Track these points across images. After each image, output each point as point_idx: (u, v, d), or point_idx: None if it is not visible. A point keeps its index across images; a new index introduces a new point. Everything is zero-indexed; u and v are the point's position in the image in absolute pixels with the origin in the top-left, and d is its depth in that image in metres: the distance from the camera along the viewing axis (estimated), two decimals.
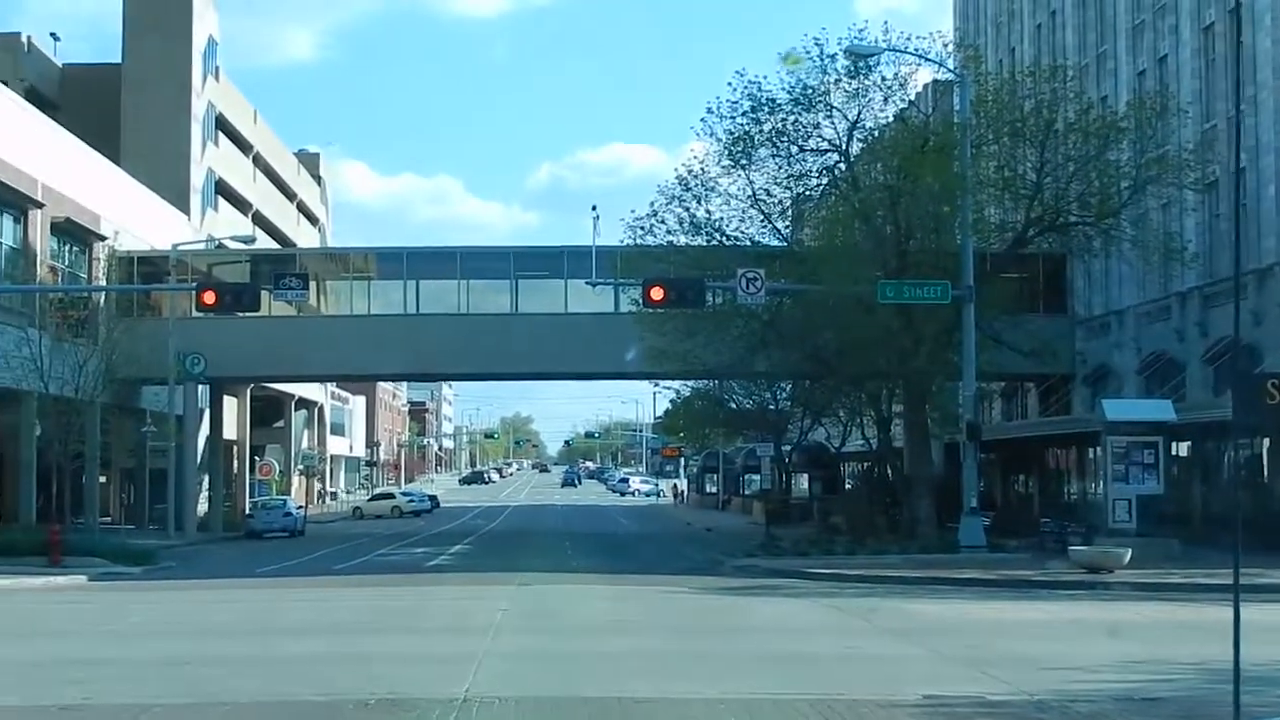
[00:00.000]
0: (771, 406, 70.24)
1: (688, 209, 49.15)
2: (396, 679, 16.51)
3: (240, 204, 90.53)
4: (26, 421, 50.68)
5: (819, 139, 47.63)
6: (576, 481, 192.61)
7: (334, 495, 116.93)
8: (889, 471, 56.85)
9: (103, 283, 58.73)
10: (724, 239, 49.32)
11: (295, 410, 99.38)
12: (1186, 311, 47.67)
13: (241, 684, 16.38)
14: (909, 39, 46.42)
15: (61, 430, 48.77)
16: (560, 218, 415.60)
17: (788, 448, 74.42)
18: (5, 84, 58.35)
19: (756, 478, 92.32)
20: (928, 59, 46.78)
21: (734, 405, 75.67)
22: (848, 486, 76.65)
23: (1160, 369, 49.77)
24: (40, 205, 55.30)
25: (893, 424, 53.65)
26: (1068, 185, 46.88)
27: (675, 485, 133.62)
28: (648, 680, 16.40)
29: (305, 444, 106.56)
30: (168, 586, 35.60)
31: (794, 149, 47.71)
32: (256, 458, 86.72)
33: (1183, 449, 45.38)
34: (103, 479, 65.14)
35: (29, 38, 77.77)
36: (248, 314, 50.99)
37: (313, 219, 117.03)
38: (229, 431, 76.92)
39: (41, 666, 18.41)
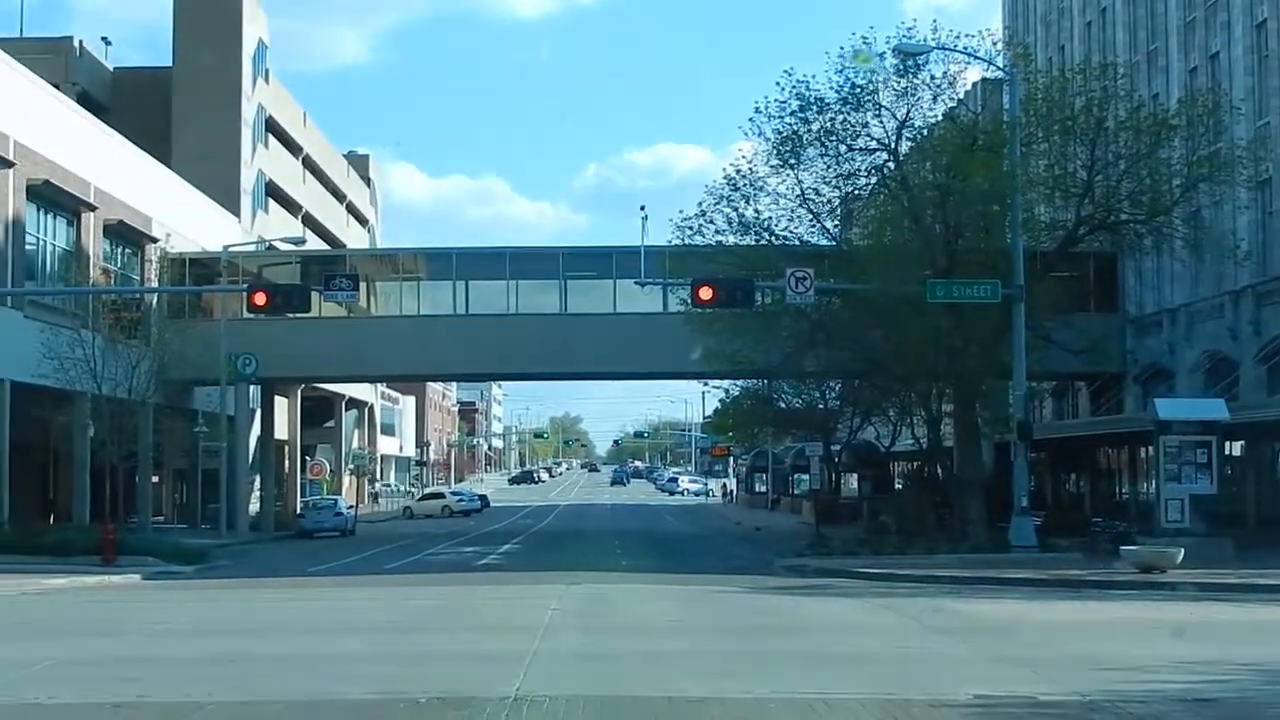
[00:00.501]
0: (821, 406, 70.17)
1: (736, 209, 49.08)
2: (447, 678, 16.56)
3: (290, 206, 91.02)
4: (80, 422, 51.06)
5: (868, 138, 47.46)
6: (625, 480, 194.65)
7: (380, 492, 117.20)
8: (939, 471, 56.62)
9: (155, 284, 59.14)
10: (773, 239, 49.21)
11: (346, 410, 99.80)
12: (1240, 310, 47.33)
13: (293, 682, 16.47)
14: (958, 37, 46.22)
15: (115, 431, 49.11)
16: (608, 218, 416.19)
17: (837, 447, 74.29)
18: (58, 88, 58.86)
19: (806, 477, 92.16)
20: (977, 57, 46.56)
21: (783, 404, 75.65)
22: (897, 486, 76.38)
23: (1213, 368, 49.44)
24: (93, 208, 55.75)
25: (943, 423, 53.44)
26: (1119, 183, 46.58)
27: (724, 485, 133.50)
28: (698, 680, 16.40)
29: (356, 444, 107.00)
30: (220, 585, 35.80)
31: (843, 148, 47.54)
32: (307, 457, 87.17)
33: (1236, 448, 45.10)
34: (155, 479, 65.64)
35: (80, 42, 78.39)
36: (298, 315, 51.31)
37: (362, 220, 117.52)
38: (280, 432, 77.32)
39: (96, 664, 18.56)
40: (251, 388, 67.66)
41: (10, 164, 48.75)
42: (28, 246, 51.57)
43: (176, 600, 30.71)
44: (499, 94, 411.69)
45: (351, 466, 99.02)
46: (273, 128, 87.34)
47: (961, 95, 50.21)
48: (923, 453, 60.43)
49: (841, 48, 46.58)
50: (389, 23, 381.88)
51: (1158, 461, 39.19)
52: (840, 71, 46.27)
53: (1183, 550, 33.13)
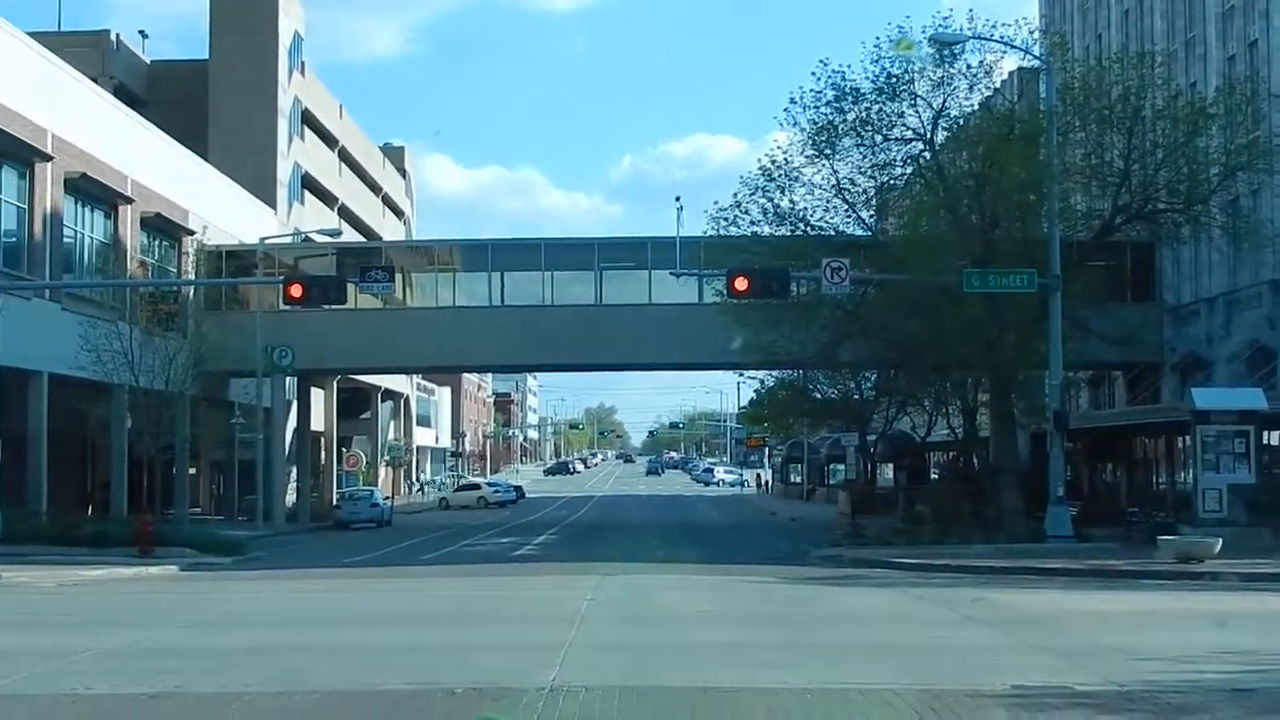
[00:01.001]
0: (856, 396, 70.05)
1: (771, 199, 49.06)
2: (484, 668, 16.59)
3: (326, 198, 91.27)
4: (118, 414, 51.33)
5: (903, 128, 47.39)
6: (660, 471, 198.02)
7: (423, 487, 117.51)
8: (975, 461, 56.48)
9: (191, 277, 59.39)
10: (808, 229, 49.15)
11: (382, 402, 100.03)
12: (1278, 299, 47.04)
13: (330, 673, 16.52)
14: (994, 26, 46.10)
15: (152, 422, 49.37)
16: (643, 209, 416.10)
17: (872, 437, 74.15)
18: (95, 81, 59.11)
19: (841, 467, 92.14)
20: (1013, 46, 46.43)
21: (818, 395, 75.51)
22: (933, 476, 76.22)
23: (1251, 357, 49.12)
24: (130, 201, 56.01)
25: (978, 413, 53.30)
26: (1156, 172, 46.34)
27: (759, 475, 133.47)
28: (734, 670, 16.40)
29: (392, 435, 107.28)
30: (257, 577, 35.94)
31: (878, 138, 47.47)
32: (343, 449, 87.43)
33: (1274, 438, 44.78)
34: (192, 470, 65.96)
35: (117, 35, 78.75)
36: (334, 307, 51.40)
37: (398, 212, 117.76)
38: (316, 423, 77.57)
39: (133, 655, 18.65)
40: (288, 379, 67.87)
41: (48, 157, 49.01)
42: (65, 239, 51.83)
43: (213, 592, 30.86)
44: (534, 85, 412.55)
45: (387, 458, 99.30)
46: (309, 120, 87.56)
47: (998, 84, 50.06)
48: (958, 443, 60.25)
49: (878, 38, 46.57)
50: (424, 15, 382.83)
51: (1195, 451, 39.04)
52: (876, 61, 46.26)
53: (1220, 540, 33.02)
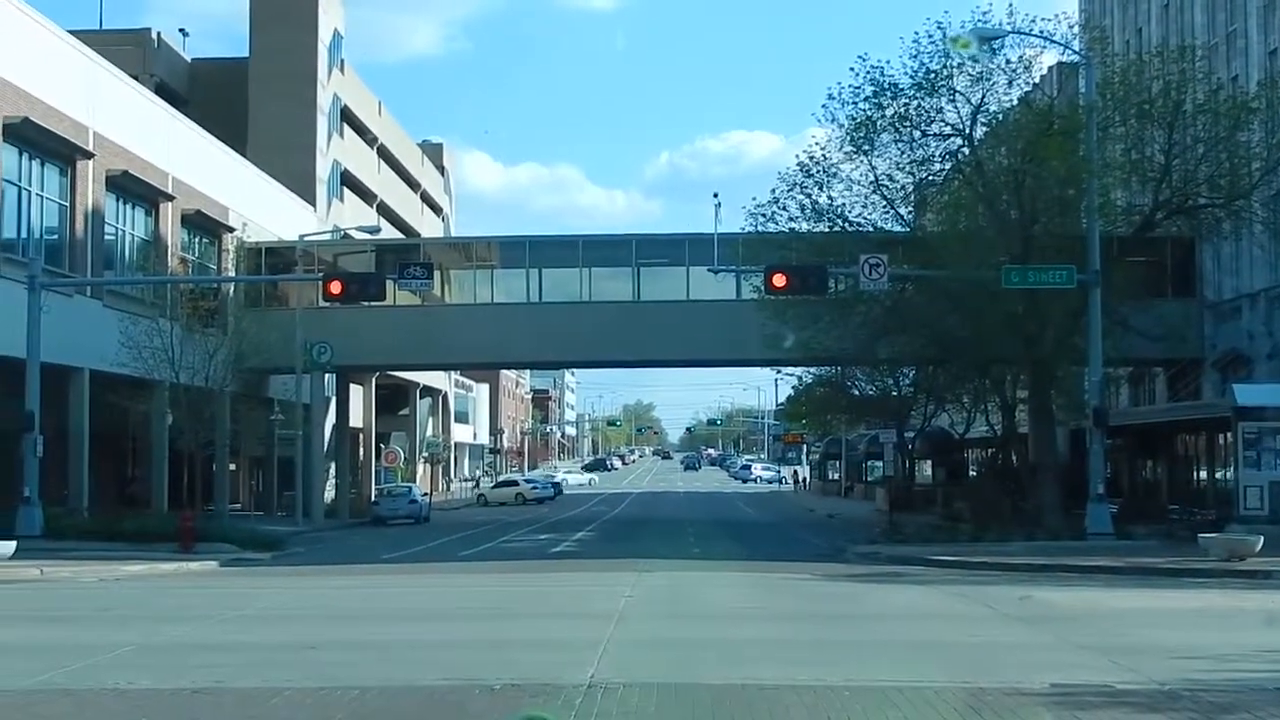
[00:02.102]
0: (894, 393, 69.89)
1: (809, 195, 48.95)
2: (522, 664, 16.61)
3: (365, 194, 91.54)
4: (159, 410, 51.62)
5: (942, 123, 47.21)
6: (697, 466, 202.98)
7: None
8: (1014, 458, 56.26)
9: (231, 273, 59.68)
10: (846, 225, 49.02)
11: (420, 398, 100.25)
12: None
13: (368, 668, 16.58)
14: (1033, 21, 45.90)
15: (192, 419, 49.66)
16: (680, 205, 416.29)
17: (911, 434, 73.97)
18: (136, 79, 59.41)
19: (879, 464, 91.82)
20: (1053, 41, 46.19)
21: (856, 391, 75.36)
22: (972, 473, 75.97)
23: None
24: (171, 198, 56.31)
25: (1018, 410, 53.08)
26: (1197, 167, 46.06)
27: (796, 472, 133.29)
28: (772, 667, 16.38)
29: (430, 431, 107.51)
30: (296, 572, 36.08)
31: (917, 134, 47.32)
32: (382, 445, 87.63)
33: None
34: (232, 466, 66.25)
35: (158, 34, 79.11)
36: (373, 303, 51.60)
37: (436, 209, 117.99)
38: (355, 419, 77.84)
39: (174, 650, 18.76)
40: (327, 376, 68.10)
41: (90, 155, 49.30)
42: (107, 236, 52.14)
43: (253, 587, 30.97)
44: (572, 82, 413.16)
45: (425, 454, 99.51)
46: (348, 117, 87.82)
47: (1037, 79, 49.82)
48: (997, 440, 60.05)
49: (916, 33, 46.46)
50: (463, 12, 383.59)
51: (1236, 448, 38.86)
52: (915, 57, 46.10)
53: (1261, 538, 32.80)
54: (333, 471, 74.69)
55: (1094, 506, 40.95)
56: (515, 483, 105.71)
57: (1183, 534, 38.78)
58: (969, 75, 46.16)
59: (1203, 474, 50.64)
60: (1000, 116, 47.66)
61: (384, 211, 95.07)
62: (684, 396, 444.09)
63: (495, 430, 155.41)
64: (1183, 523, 42.79)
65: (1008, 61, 46.18)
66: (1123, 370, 61.00)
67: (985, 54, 45.16)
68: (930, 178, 49.69)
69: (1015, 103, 47.75)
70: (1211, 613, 23.75)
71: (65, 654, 17.86)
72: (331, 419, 73.48)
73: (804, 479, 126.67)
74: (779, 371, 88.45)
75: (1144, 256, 53.12)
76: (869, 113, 46.89)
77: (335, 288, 44.92)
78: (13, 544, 36.43)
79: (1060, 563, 33.48)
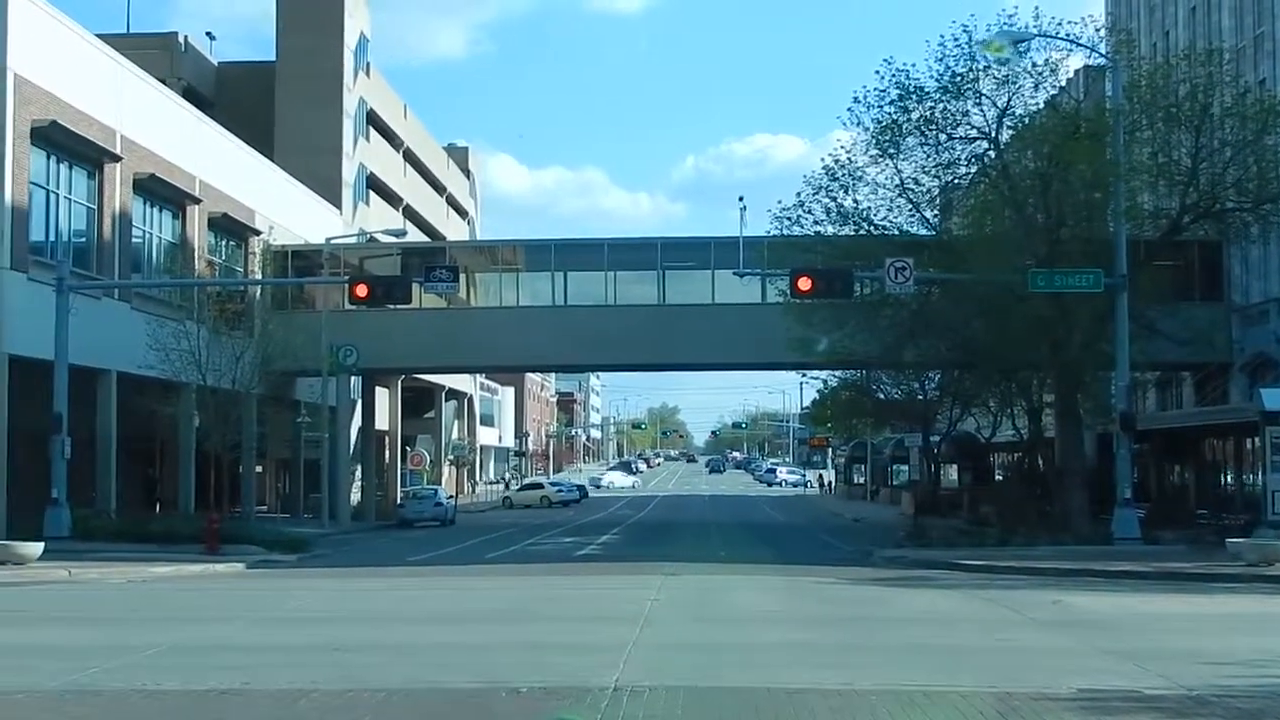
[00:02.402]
0: (920, 396, 69.76)
1: (835, 199, 48.93)
2: (548, 667, 16.63)
3: (391, 198, 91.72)
4: (185, 413, 51.76)
5: (968, 126, 47.16)
6: (722, 469, 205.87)
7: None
8: (1040, 462, 56.11)
9: (258, 276, 59.79)
10: (871, 228, 48.97)
11: (445, 401, 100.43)
12: None
13: (395, 670, 16.60)
14: (1059, 24, 45.83)
15: (219, 421, 49.78)
16: (705, 209, 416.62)
17: (936, 438, 73.83)
18: (163, 83, 59.63)
19: (905, 468, 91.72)
20: (1079, 44, 46.12)
21: (882, 395, 75.24)
22: (998, 477, 75.80)
23: None
24: (198, 201, 56.47)
25: (1044, 414, 52.94)
26: (1224, 170, 45.92)
27: (822, 475, 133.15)
28: (798, 671, 16.36)
29: (455, 434, 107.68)
30: (322, 574, 36.15)
31: (942, 137, 47.27)
32: (408, 448, 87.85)
33: None
34: (259, 469, 66.46)
35: (185, 37, 79.40)
36: (399, 306, 51.69)
37: (462, 212, 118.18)
38: (381, 422, 77.98)
39: (202, 651, 18.81)
40: (353, 379, 68.28)
41: (117, 158, 49.47)
42: (134, 239, 52.29)
43: (279, 589, 31.04)
44: (597, 85, 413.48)
45: (451, 457, 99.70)
46: (374, 120, 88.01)
47: (1063, 83, 49.73)
48: (1023, 444, 59.93)
49: (941, 36, 46.40)
50: (488, 16, 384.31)
51: (1264, 452, 38.65)
52: (940, 60, 46.06)
53: None
54: (358, 474, 74.84)
55: (1121, 511, 40.84)
56: (541, 485, 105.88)
57: (1211, 539, 38.63)
58: (995, 78, 46.09)
59: (1231, 478, 50.49)
60: (1026, 120, 47.57)
61: (410, 215, 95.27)
62: (709, 400, 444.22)
63: (520, 433, 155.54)
64: (1211, 527, 42.63)
65: (1034, 65, 46.13)
66: (1150, 374, 60.82)
67: (1013, 56, 45.08)
68: (956, 181, 49.61)
69: (1041, 106, 47.65)
70: (1241, 618, 23.66)
71: (94, 655, 17.93)
72: (357, 421, 73.63)
73: (829, 483, 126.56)
74: (804, 375, 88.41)
75: (1171, 260, 52.95)
76: (894, 116, 46.87)
77: (361, 291, 45.01)
78: (41, 545, 36.66)
79: (1087, 567, 33.37)
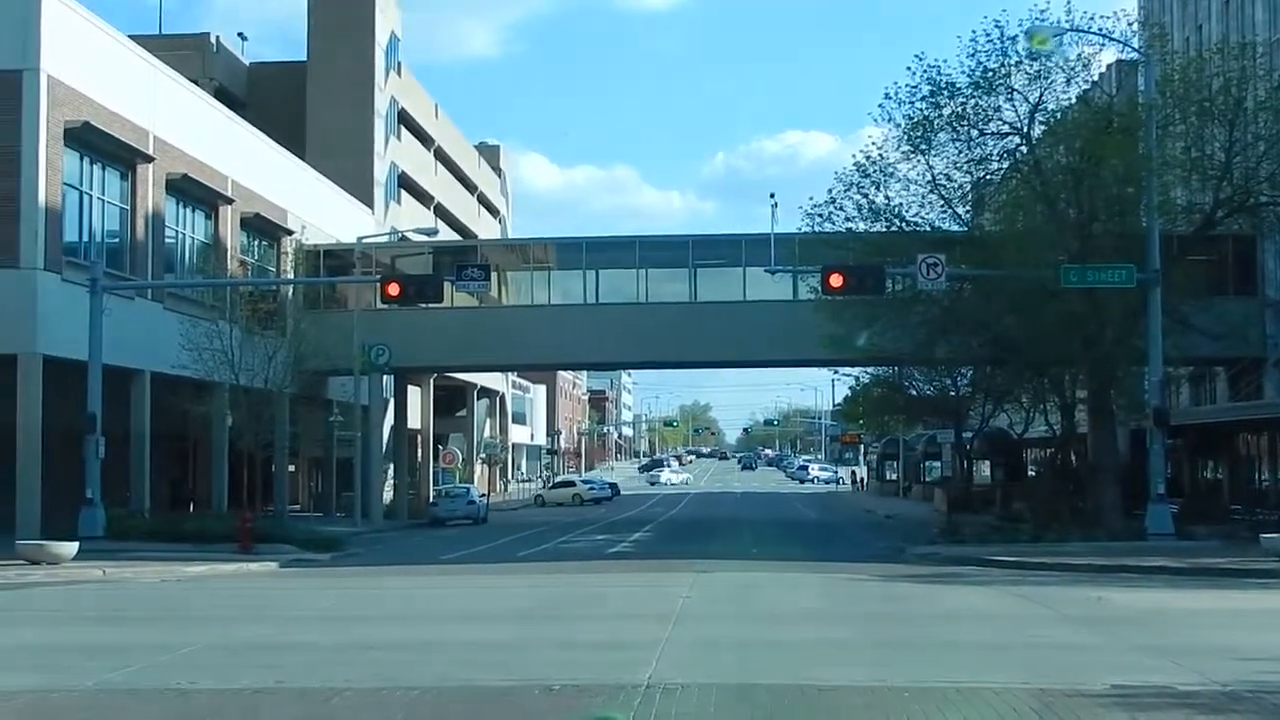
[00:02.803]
0: (952, 393, 69.50)
1: (866, 195, 48.83)
2: (580, 665, 16.64)
3: (422, 197, 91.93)
4: (218, 412, 51.95)
5: (1000, 122, 47.03)
6: (754, 465, 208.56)
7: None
8: (1073, 458, 55.92)
9: (290, 276, 59.98)
10: (903, 225, 48.87)
11: (477, 399, 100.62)
12: None
13: (427, 669, 16.63)
14: (1091, 18, 45.73)
15: (252, 420, 49.96)
16: (736, 206, 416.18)
17: (969, 434, 73.54)
18: (195, 83, 59.87)
19: (937, 465, 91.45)
20: (1111, 38, 45.90)
21: (914, 392, 74.99)
22: (1030, 473, 75.52)
23: None
24: (230, 201, 56.68)
25: (1077, 410, 52.75)
26: (1258, 165, 45.70)
27: (854, 472, 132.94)
28: (831, 668, 16.33)
29: (487, 433, 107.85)
30: (355, 573, 36.25)
31: (974, 133, 47.15)
32: (440, 446, 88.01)
33: None
34: (291, 468, 66.68)
35: (217, 38, 79.74)
36: (431, 305, 51.78)
37: (493, 210, 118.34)
38: (413, 421, 78.15)
39: (235, 650, 18.88)
40: (385, 377, 68.44)
41: (150, 158, 49.68)
42: (167, 239, 52.53)
43: (312, 587, 31.14)
44: (628, 83, 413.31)
45: (483, 455, 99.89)
46: (405, 120, 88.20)
47: (1095, 77, 49.54)
48: (1056, 440, 59.69)
49: (974, 32, 46.28)
50: (518, 15, 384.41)
51: None
52: (972, 55, 45.95)
53: None
54: (391, 472, 75.02)
55: (1154, 507, 40.70)
56: (572, 483, 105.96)
57: (1245, 535, 38.46)
58: (1027, 74, 45.96)
59: (1265, 474, 50.26)
60: (1058, 115, 47.39)
61: (441, 213, 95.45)
62: (741, 397, 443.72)
63: (552, 431, 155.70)
64: (1245, 523, 42.42)
65: (1066, 59, 45.97)
66: (1183, 369, 60.57)
67: (1045, 52, 44.92)
68: (988, 177, 49.49)
69: (1074, 101, 47.48)
70: (1275, 614, 23.56)
71: (128, 654, 18.02)
72: (390, 420, 73.81)
73: (861, 479, 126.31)
74: (836, 372, 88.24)
75: (1204, 255, 52.67)
76: (926, 112, 46.80)
77: (393, 289, 45.13)
78: (75, 545, 36.86)
79: (1120, 563, 33.26)
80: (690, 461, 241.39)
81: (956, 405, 70.02)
